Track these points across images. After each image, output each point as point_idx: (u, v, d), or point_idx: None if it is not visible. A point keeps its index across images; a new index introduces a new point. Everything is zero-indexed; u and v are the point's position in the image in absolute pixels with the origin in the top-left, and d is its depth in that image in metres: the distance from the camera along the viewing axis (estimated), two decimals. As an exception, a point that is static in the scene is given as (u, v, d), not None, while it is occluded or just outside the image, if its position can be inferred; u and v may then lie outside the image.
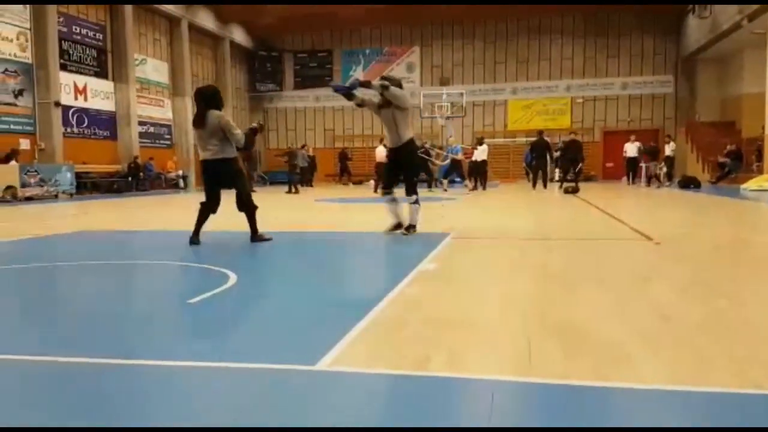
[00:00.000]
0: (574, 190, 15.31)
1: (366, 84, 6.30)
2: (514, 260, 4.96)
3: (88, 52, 20.03)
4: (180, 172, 23.25)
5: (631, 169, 21.36)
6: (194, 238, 5.87)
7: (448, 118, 24.52)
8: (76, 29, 19.49)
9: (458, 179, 19.86)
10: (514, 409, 1.94)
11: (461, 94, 25.03)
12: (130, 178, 20.58)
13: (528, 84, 27.94)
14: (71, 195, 17.34)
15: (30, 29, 17.49)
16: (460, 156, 18.58)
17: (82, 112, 19.78)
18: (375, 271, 4.89)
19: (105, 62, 20.79)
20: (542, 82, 27.83)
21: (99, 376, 2.23)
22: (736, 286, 3.89)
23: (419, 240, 6.16)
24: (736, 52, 21.86)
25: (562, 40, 27.39)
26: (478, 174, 18.29)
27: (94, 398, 2.02)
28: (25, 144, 17.30)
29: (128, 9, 21.01)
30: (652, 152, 20.09)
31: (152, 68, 23.12)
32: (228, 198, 6.08)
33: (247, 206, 6.00)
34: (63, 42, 18.71)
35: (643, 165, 20.87)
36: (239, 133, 5.91)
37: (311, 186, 22.97)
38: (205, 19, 25.28)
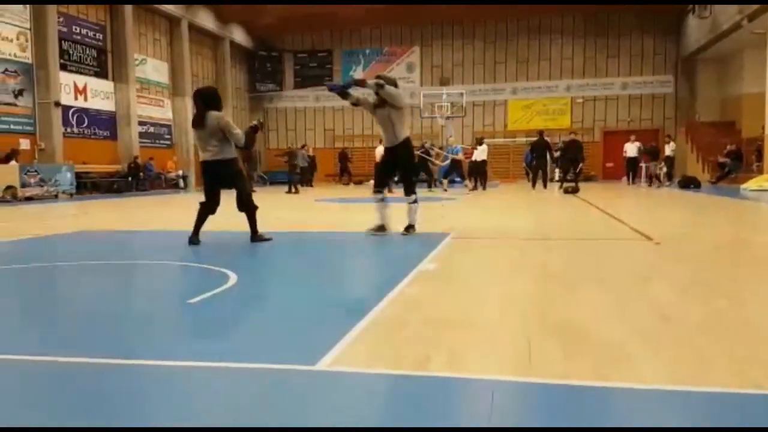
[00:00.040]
0: (574, 190, 15.31)
1: (361, 83, 6.29)
2: (514, 260, 4.96)
3: (88, 52, 20.04)
4: (180, 172, 23.25)
5: (631, 169, 21.37)
6: (194, 238, 5.88)
7: (448, 118, 24.52)
8: (76, 29, 19.49)
9: (458, 179, 19.86)
10: (514, 409, 1.94)
11: (461, 94, 25.03)
12: (130, 178, 20.58)
13: (528, 84, 27.95)
14: (71, 195, 17.34)
15: (30, 29, 17.49)
16: (460, 156, 18.58)
17: (82, 112, 19.78)
18: (375, 271, 4.89)
19: (105, 62, 20.79)
20: (542, 82, 27.83)
21: (99, 376, 2.23)
22: (736, 286, 3.89)
23: (419, 240, 6.16)
24: (736, 52, 21.87)
25: (562, 40, 27.39)
26: (478, 174, 18.29)
27: (94, 398, 2.02)
28: (25, 144, 17.30)
29: (128, 9, 21.01)
30: (652, 152, 20.10)
31: (152, 68, 23.12)
32: (228, 198, 6.08)
33: (247, 206, 6.00)
34: (63, 42, 18.71)
35: (643, 165, 20.89)
36: (239, 132, 5.91)
37: (311, 186, 22.97)
38: (205, 19, 25.28)
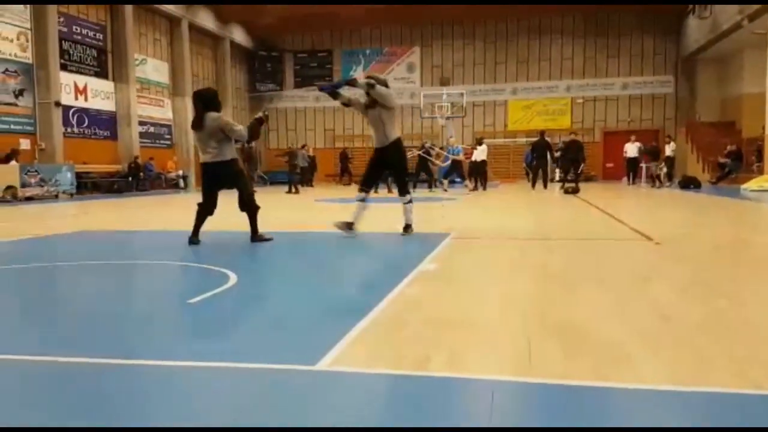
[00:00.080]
0: (575, 191, 15.31)
1: (352, 83, 6.28)
2: (515, 260, 4.96)
3: (88, 52, 20.04)
4: (180, 172, 23.25)
5: (632, 169, 21.38)
6: (193, 238, 5.89)
7: (448, 118, 24.51)
8: (76, 29, 19.49)
9: (458, 179, 19.85)
10: (514, 409, 1.94)
11: (461, 94, 25.01)
12: (130, 178, 20.58)
13: (528, 84, 27.94)
14: (71, 195, 17.34)
15: (30, 29, 17.49)
16: (461, 156, 18.57)
17: (83, 112, 19.78)
18: (375, 271, 4.89)
19: (105, 62, 20.79)
20: (542, 82, 27.82)
21: (99, 376, 2.23)
22: (736, 286, 3.89)
23: (419, 240, 6.16)
24: (737, 52, 21.86)
25: (562, 40, 27.39)
26: (478, 174, 18.29)
27: (94, 398, 2.02)
28: (25, 144, 17.30)
29: (128, 9, 21.01)
30: (652, 152, 20.09)
31: (152, 68, 23.12)
32: (229, 198, 6.08)
33: (249, 206, 6.00)
34: (63, 42, 18.71)
35: (643, 165, 20.89)
36: (240, 129, 5.91)
37: (311, 186, 22.97)
38: (205, 19, 25.28)
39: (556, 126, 26.51)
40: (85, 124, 19.92)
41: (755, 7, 17.51)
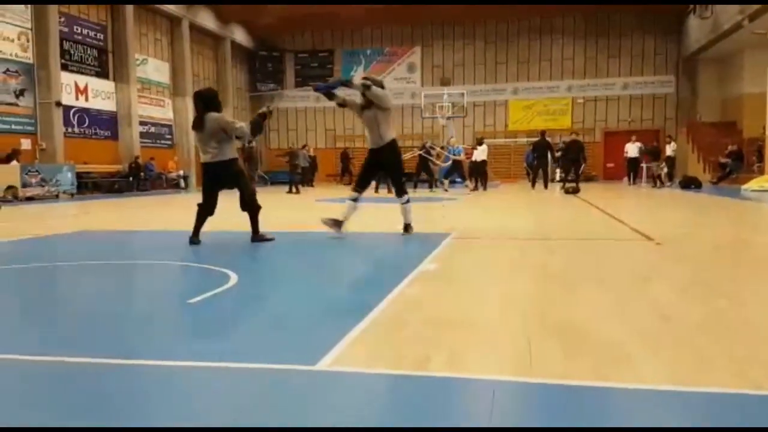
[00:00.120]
0: (575, 191, 15.31)
1: (347, 84, 6.27)
2: (515, 260, 4.96)
3: (89, 52, 20.05)
4: (181, 172, 23.26)
5: (632, 169, 21.38)
6: (194, 238, 5.90)
7: (449, 118, 24.52)
8: (77, 29, 19.51)
9: (459, 180, 19.85)
10: (514, 409, 1.94)
11: (462, 94, 25.02)
12: (131, 178, 20.59)
13: (529, 84, 27.94)
14: (72, 195, 17.35)
15: (31, 29, 17.50)
16: (461, 156, 18.57)
17: (83, 112, 19.79)
18: (376, 271, 4.89)
19: (106, 62, 20.80)
20: (543, 82, 27.82)
21: (99, 376, 2.23)
22: (737, 287, 3.89)
23: (420, 240, 6.16)
24: (737, 52, 21.85)
25: (563, 40, 27.38)
26: (478, 174, 18.29)
27: (94, 398, 2.02)
28: (26, 144, 17.31)
29: (129, 9, 21.02)
30: (653, 152, 20.07)
31: (153, 68, 23.13)
32: (230, 198, 6.08)
33: (250, 206, 6.01)
34: (64, 42, 18.72)
35: (644, 165, 20.88)
36: (242, 125, 5.92)
37: (312, 186, 22.97)
38: (206, 19, 25.29)
39: (557, 126, 26.51)
40: (86, 124, 19.93)
41: (756, 7, 17.50)
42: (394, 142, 6.37)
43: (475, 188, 17.99)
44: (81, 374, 2.27)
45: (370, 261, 5.44)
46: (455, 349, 2.46)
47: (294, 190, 18.21)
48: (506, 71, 28.15)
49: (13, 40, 16.98)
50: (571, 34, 27.33)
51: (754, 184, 16.03)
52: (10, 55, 16.92)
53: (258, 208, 6.05)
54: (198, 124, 5.85)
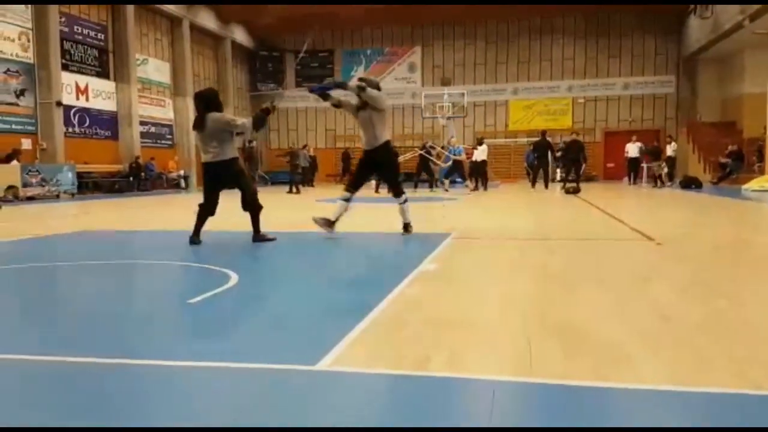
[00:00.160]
0: (575, 191, 15.31)
1: (342, 85, 6.26)
2: (515, 260, 4.96)
3: (89, 52, 20.06)
4: (181, 172, 23.27)
5: (633, 169, 21.38)
6: (194, 238, 5.90)
7: (449, 118, 24.53)
8: (77, 29, 19.51)
9: (459, 180, 19.86)
10: (514, 409, 1.94)
11: (462, 94, 25.02)
12: (131, 178, 20.60)
13: (529, 84, 27.94)
14: (72, 195, 17.36)
15: (32, 29, 17.51)
16: (462, 156, 18.57)
17: (84, 112, 19.80)
18: (376, 271, 4.89)
19: (106, 62, 20.81)
20: (543, 82, 27.82)
21: (99, 376, 2.23)
22: (737, 287, 3.89)
23: (420, 240, 6.16)
24: (738, 52, 21.85)
25: (563, 40, 27.38)
26: (479, 174, 18.30)
27: (94, 398, 2.02)
28: (26, 144, 17.32)
29: (130, 9, 21.03)
30: (654, 152, 20.07)
31: (153, 68, 23.14)
32: (230, 197, 6.08)
33: (252, 206, 6.01)
34: (64, 42, 18.73)
35: (644, 165, 20.88)
36: (243, 121, 5.92)
37: (312, 186, 22.97)
38: (206, 19, 25.30)
39: (557, 126, 26.51)
40: (87, 124, 19.94)
41: (756, 7, 17.50)
42: (388, 143, 6.36)
43: (476, 188, 17.99)
44: (81, 374, 2.27)
45: (370, 261, 5.44)
46: (455, 349, 2.46)
47: (294, 190, 18.21)
48: (506, 71, 28.15)
49: (13, 40, 16.99)
50: (571, 34, 27.33)
51: (754, 184, 16.03)
52: (11, 55, 16.93)
53: (259, 208, 6.05)
54: (198, 125, 5.87)
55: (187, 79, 24.22)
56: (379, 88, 6.34)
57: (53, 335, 2.88)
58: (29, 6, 17.36)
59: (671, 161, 19.96)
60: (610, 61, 27.19)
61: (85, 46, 19.87)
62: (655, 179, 19.26)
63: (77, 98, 19.49)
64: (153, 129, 23.12)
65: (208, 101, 5.92)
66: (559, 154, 19.21)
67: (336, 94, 6.42)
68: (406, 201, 6.49)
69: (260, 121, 6.03)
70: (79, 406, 1.96)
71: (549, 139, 18.88)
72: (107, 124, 20.82)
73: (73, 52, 19.29)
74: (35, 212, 11.79)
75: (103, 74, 20.64)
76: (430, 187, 18.50)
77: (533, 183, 18.55)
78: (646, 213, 10.26)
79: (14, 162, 15.99)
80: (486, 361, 2.34)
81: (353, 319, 2.85)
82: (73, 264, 5.17)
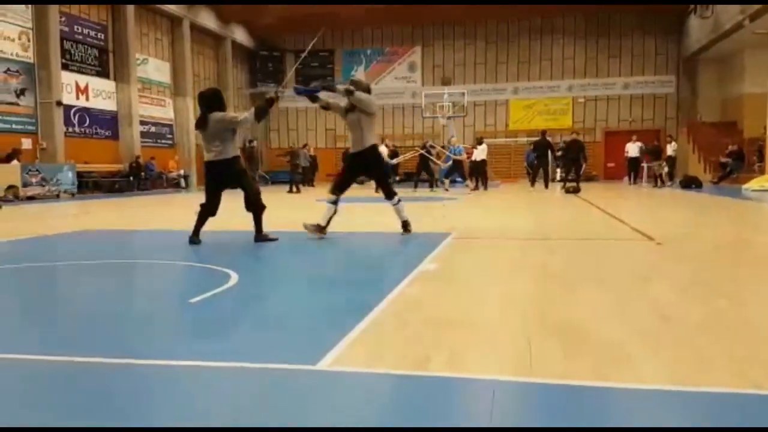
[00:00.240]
0: (576, 190, 15.31)
1: (330, 87, 6.24)
2: (515, 260, 4.96)
3: (89, 51, 20.06)
4: (181, 172, 23.27)
5: (633, 169, 21.38)
6: (194, 238, 5.90)
7: (449, 117, 24.53)
8: (77, 29, 19.51)
9: (459, 179, 19.86)
10: (514, 409, 1.95)
11: (463, 93, 25.03)
12: (131, 178, 20.60)
13: (529, 84, 27.93)
14: (73, 194, 17.36)
15: (32, 29, 17.51)
16: (462, 156, 18.58)
17: (84, 111, 19.79)
18: (376, 271, 4.89)
19: (107, 62, 20.81)
20: (544, 82, 27.81)
21: (99, 376, 2.24)
22: (737, 286, 3.89)
23: (420, 240, 6.17)
24: (738, 52, 21.85)
25: (564, 40, 27.38)
26: (478, 174, 18.30)
27: (95, 398, 2.03)
28: (26, 143, 17.32)
29: (130, 9, 21.03)
30: (654, 152, 20.08)
31: (154, 68, 23.13)
32: (233, 197, 6.08)
33: (254, 206, 6.01)
34: (65, 42, 18.73)
35: (644, 165, 20.88)
36: (245, 116, 5.91)
37: (312, 186, 22.97)
38: (207, 18, 25.30)
39: (558, 126, 26.51)
40: (87, 124, 19.94)
41: (757, 6, 17.50)
42: (374, 147, 6.34)
43: (476, 188, 17.99)
44: (81, 374, 2.27)
45: (370, 261, 5.45)
46: (455, 349, 2.46)
47: (294, 189, 18.22)
48: (507, 71, 28.14)
49: (13, 40, 16.99)
50: (571, 34, 27.33)
51: (754, 183, 16.03)
52: (11, 54, 16.93)
53: (262, 208, 6.06)
54: (200, 124, 5.89)
55: (188, 79, 24.23)
56: (369, 91, 6.32)
57: (53, 335, 2.88)
58: (29, 6, 17.36)
59: (671, 161, 19.96)
60: (611, 60, 27.18)
61: (86, 46, 19.87)
62: (656, 179, 19.26)
63: (77, 98, 19.50)
64: (153, 129, 23.12)
65: (209, 101, 5.94)
66: (559, 153, 19.21)
67: (325, 96, 6.40)
68: (399, 200, 6.48)
69: (263, 111, 6.01)
70: (80, 406, 1.96)
71: (549, 138, 18.88)
72: (107, 123, 20.82)
73: (73, 52, 19.29)
74: (35, 212, 11.79)
75: (103, 74, 20.65)
76: (430, 186, 18.49)
77: (532, 182, 18.55)
78: (647, 213, 10.26)
79: (14, 162, 15.99)
80: (486, 361, 2.34)
81: (353, 319, 2.86)
82: (73, 264, 5.17)
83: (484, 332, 2.75)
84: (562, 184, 18.10)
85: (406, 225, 6.46)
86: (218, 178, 5.98)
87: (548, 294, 3.58)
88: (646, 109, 27.18)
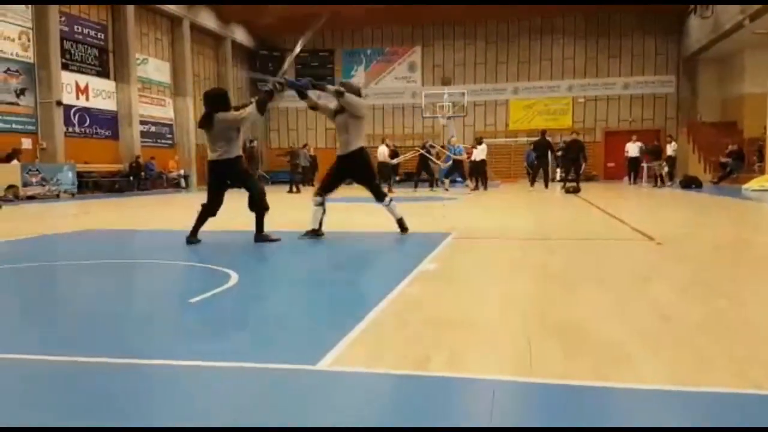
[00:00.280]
0: (576, 190, 15.31)
1: (320, 87, 6.22)
2: (515, 260, 4.96)
3: (89, 51, 20.06)
4: (181, 172, 23.27)
5: (633, 169, 21.38)
6: (191, 238, 5.89)
7: (449, 117, 24.54)
8: (77, 29, 19.51)
9: (459, 179, 19.87)
10: (514, 409, 1.95)
11: (463, 93, 25.03)
12: (131, 178, 20.60)
13: (529, 84, 27.93)
14: (73, 194, 17.37)
15: (32, 29, 17.51)
16: (462, 156, 18.58)
17: (84, 111, 19.79)
18: (376, 271, 4.90)
19: (107, 62, 20.81)
20: (544, 82, 27.81)
21: (99, 376, 2.24)
22: (737, 286, 3.89)
23: (420, 240, 6.16)
24: (738, 52, 21.85)
25: (564, 40, 27.37)
26: (478, 174, 18.30)
27: (95, 398, 2.02)
28: (26, 143, 17.32)
29: (130, 9, 21.03)
30: (654, 152, 20.08)
31: (154, 68, 23.13)
32: (235, 198, 6.08)
33: (258, 206, 6.01)
34: (65, 41, 18.73)
35: (644, 165, 20.88)
36: (248, 112, 5.88)
37: (313, 185, 22.95)
38: (207, 18, 25.29)
39: (557, 126, 26.51)
40: (87, 124, 19.94)
41: (757, 6, 17.50)
42: (361, 150, 6.25)
43: (476, 188, 17.99)
44: (81, 374, 2.27)
45: (370, 261, 5.45)
46: (455, 349, 2.46)
47: (295, 189, 18.22)
48: (507, 71, 28.14)
49: (13, 40, 17.00)
50: (571, 34, 27.33)
51: (754, 183, 16.03)
52: (11, 54, 16.94)
53: (266, 208, 6.05)
54: (204, 123, 5.88)
55: (188, 79, 24.23)
56: (359, 95, 6.30)
57: (53, 335, 2.88)
58: (29, 6, 17.36)
59: (671, 161, 19.96)
60: (611, 60, 27.18)
61: (86, 46, 19.87)
62: (656, 179, 19.26)
63: (77, 98, 19.50)
64: (153, 128, 23.12)
65: (213, 101, 5.93)
66: (559, 153, 19.21)
67: (315, 96, 6.38)
68: (391, 201, 6.46)
69: (264, 103, 5.99)
70: (80, 406, 1.96)
71: (549, 138, 18.88)
72: (107, 123, 20.82)
73: (73, 52, 19.29)
74: (35, 212, 11.79)
75: (103, 74, 20.65)
76: (431, 186, 18.50)
77: (532, 182, 18.55)
78: (647, 213, 10.26)
79: (14, 161, 15.99)
80: (486, 361, 2.34)
81: (353, 319, 2.86)
82: (73, 263, 5.17)
83: (484, 332, 2.75)
84: (562, 184, 18.10)
85: (401, 223, 6.43)
86: (221, 177, 5.98)
87: (548, 294, 3.58)
88: (646, 109, 27.19)
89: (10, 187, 15.28)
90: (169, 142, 24.19)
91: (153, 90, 23.20)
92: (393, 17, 26.89)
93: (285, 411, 1.89)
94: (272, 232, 6.19)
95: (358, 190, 6.56)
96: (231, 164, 5.90)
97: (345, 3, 24.06)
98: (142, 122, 21.98)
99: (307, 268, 4.88)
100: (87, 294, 4.01)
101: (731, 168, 19.64)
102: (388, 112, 28.94)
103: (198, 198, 6.25)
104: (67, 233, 7.58)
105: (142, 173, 21.07)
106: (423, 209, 10.76)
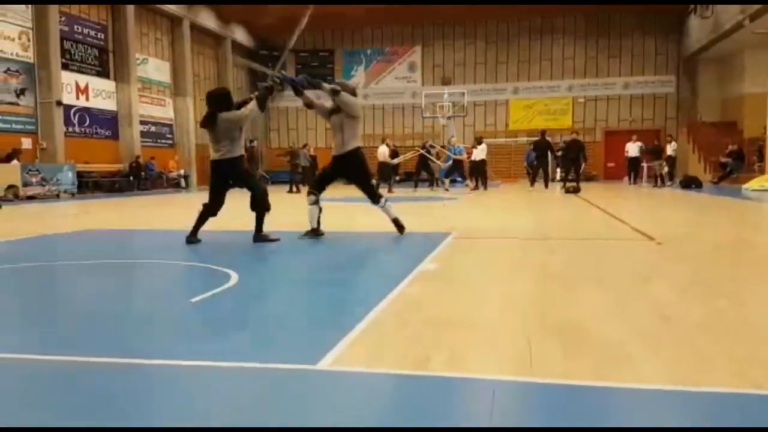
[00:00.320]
0: (576, 190, 15.31)
1: (315, 84, 6.20)
2: (515, 260, 4.96)
3: (89, 51, 20.06)
4: (181, 172, 23.27)
5: (633, 169, 21.38)
6: (191, 238, 5.90)
7: (449, 117, 24.54)
8: (77, 29, 19.52)
9: (459, 179, 19.87)
10: (514, 409, 1.95)
11: (463, 93, 25.04)
12: (131, 178, 20.61)
13: (529, 84, 27.94)
14: (73, 194, 17.37)
15: (32, 29, 17.52)
16: (462, 156, 18.58)
17: (84, 111, 19.80)
18: (376, 270, 4.90)
19: (107, 62, 20.81)
20: (544, 81, 27.82)
21: (100, 376, 2.24)
22: (737, 286, 3.89)
23: (420, 240, 6.16)
24: (738, 52, 21.85)
25: (564, 40, 27.38)
26: (478, 173, 18.30)
27: (95, 398, 2.02)
28: (26, 143, 17.33)
29: (130, 9, 21.04)
30: (654, 152, 20.09)
31: (154, 68, 23.14)
32: (236, 198, 6.08)
33: (260, 206, 6.01)
34: (65, 41, 18.74)
35: (644, 165, 20.88)
36: (250, 110, 5.88)
37: (312, 186, 22.94)
38: (207, 18, 25.30)
39: (557, 125, 26.52)
40: (87, 124, 19.94)
41: (757, 6, 17.50)
42: (357, 150, 6.21)
43: (476, 188, 17.99)
44: (82, 373, 2.27)
45: (370, 261, 5.45)
46: (455, 349, 2.46)
47: (295, 189, 18.23)
48: (507, 71, 28.15)
49: (13, 40, 17.00)
50: (571, 34, 27.34)
51: (754, 183, 16.04)
52: (11, 54, 16.94)
53: (267, 208, 6.05)
54: (206, 123, 5.88)
55: (188, 79, 24.24)
56: (355, 95, 6.28)
57: (54, 334, 2.88)
58: (29, 6, 17.37)
59: (671, 161, 19.97)
60: (610, 60, 27.18)
61: (86, 46, 19.88)
62: (656, 179, 19.26)
63: (77, 98, 19.50)
64: (153, 128, 23.12)
65: (216, 101, 5.92)
66: (559, 153, 19.22)
67: (311, 95, 6.37)
68: (386, 202, 6.44)
69: (264, 99, 5.98)
70: (80, 406, 1.96)
71: (549, 138, 18.88)
72: (107, 123, 20.82)
73: (73, 52, 19.29)
74: (35, 212, 11.79)
75: (103, 74, 20.65)
76: (431, 186, 18.50)
77: (532, 182, 18.55)
78: (647, 212, 10.26)
79: (14, 161, 16.00)
80: (486, 361, 2.34)
81: (353, 319, 2.86)
82: (73, 263, 5.17)
83: (484, 332, 2.75)
84: (562, 184, 18.10)
85: (396, 222, 6.40)
86: (224, 177, 5.98)
87: (548, 294, 3.58)
88: (646, 109, 27.19)
89: (10, 187, 15.29)
90: (169, 142, 24.20)
91: (153, 90, 23.21)
92: (393, 17, 26.89)
93: (285, 411, 1.89)
94: (272, 232, 6.19)
95: (356, 191, 6.56)
96: (234, 164, 5.91)
97: (345, 3, 24.08)
98: (142, 122, 21.98)
99: (307, 268, 4.88)
100: (87, 294, 4.01)
101: (731, 168, 19.64)
102: (388, 112, 28.95)
103: (198, 198, 6.25)
104: (67, 233, 7.58)
105: (142, 173, 21.08)
106: (423, 209, 10.76)
